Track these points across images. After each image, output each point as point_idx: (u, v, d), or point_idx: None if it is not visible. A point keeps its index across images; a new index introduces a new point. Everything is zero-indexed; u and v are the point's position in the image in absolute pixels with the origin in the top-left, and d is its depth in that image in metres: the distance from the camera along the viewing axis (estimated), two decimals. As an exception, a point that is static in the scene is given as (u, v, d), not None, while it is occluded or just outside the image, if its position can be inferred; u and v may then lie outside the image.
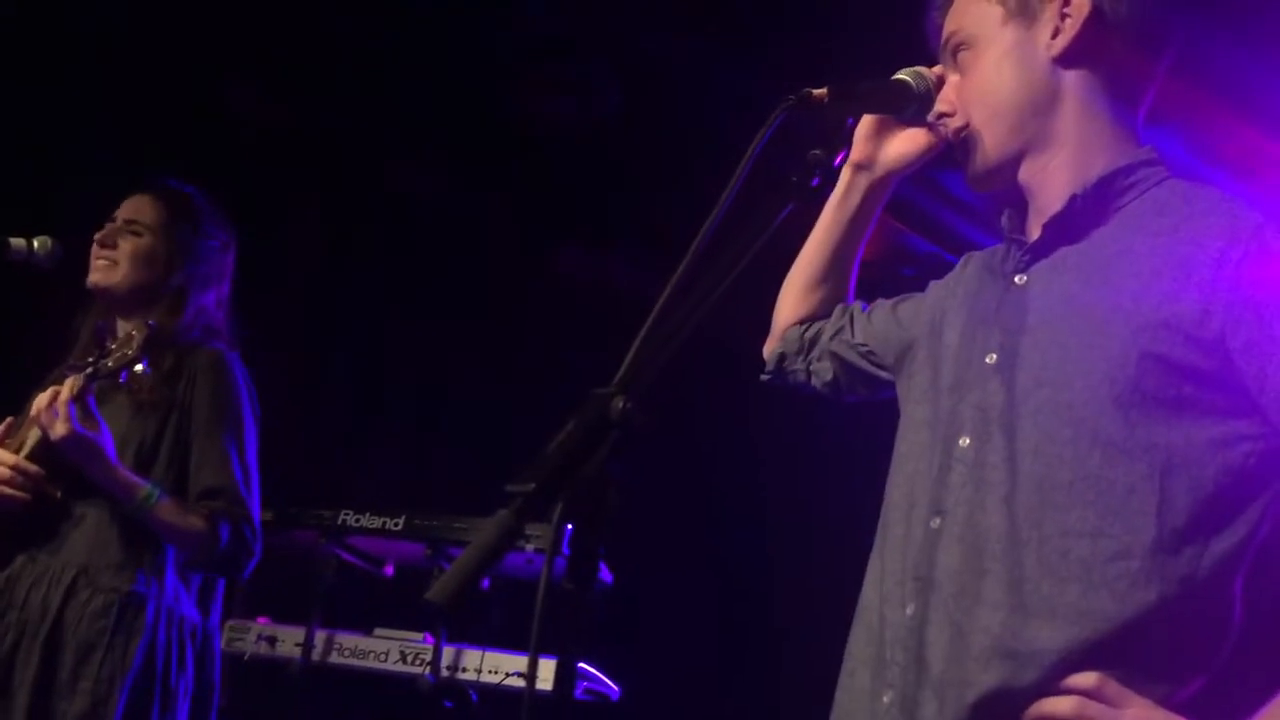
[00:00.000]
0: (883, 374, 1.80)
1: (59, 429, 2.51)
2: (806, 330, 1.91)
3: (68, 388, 2.53)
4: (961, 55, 1.63)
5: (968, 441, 1.50)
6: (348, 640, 3.50)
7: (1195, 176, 1.58)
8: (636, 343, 1.25)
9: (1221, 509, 1.40)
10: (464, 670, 3.37)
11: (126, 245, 2.79)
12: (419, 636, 3.47)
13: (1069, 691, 1.36)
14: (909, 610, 1.47)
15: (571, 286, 4.91)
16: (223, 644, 3.42)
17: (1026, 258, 1.57)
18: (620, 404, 1.19)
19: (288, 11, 4.02)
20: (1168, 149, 1.61)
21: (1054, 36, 1.57)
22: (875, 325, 1.83)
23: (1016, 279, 1.57)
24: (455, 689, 3.33)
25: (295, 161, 4.58)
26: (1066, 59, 1.57)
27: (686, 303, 1.29)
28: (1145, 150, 1.57)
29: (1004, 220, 1.65)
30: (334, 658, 3.49)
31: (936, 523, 1.48)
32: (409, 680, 3.37)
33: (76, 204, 3.01)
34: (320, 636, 3.49)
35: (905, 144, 1.77)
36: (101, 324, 2.80)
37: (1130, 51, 1.58)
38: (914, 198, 3.99)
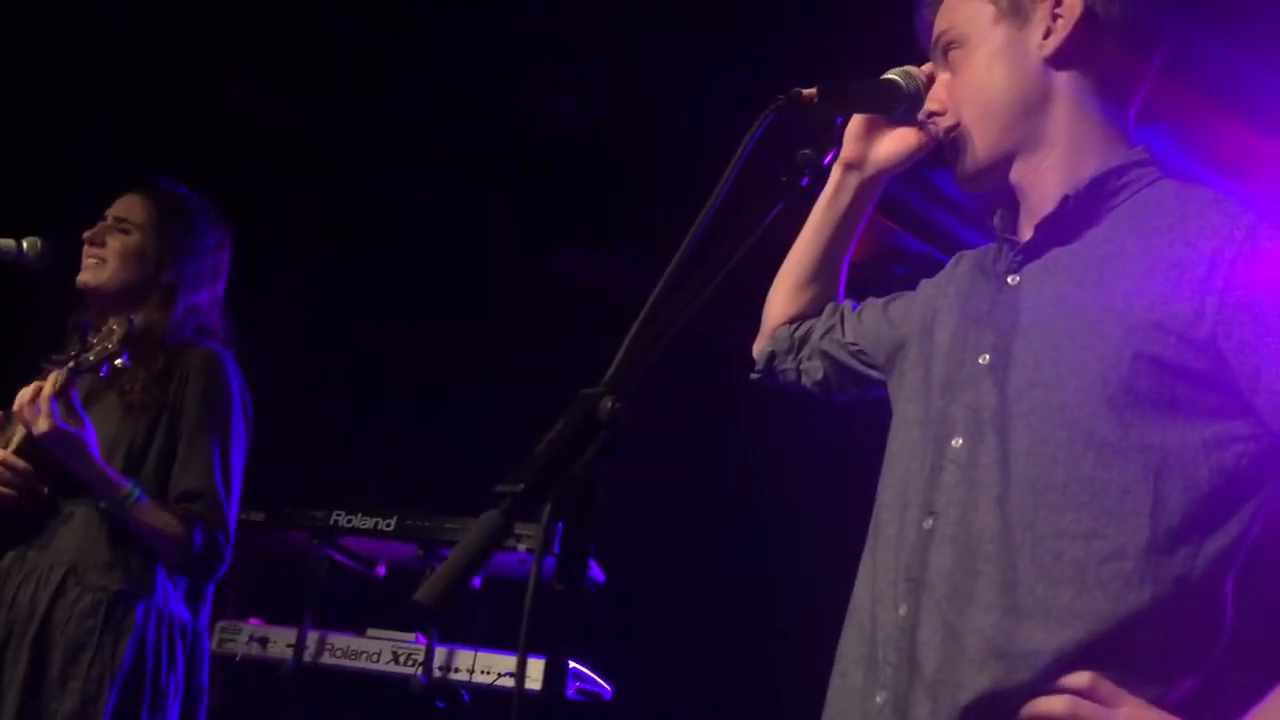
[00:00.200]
0: (873, 373, 1.80)
1: (41, 424, 2.51)
2: (796, 329, 1.91)
3: (50, 383, 2.53)
4: (952, 54, 1.63)
5: (960, 442, 1.50)
6: (340, 641, 3.50)
7: (1187, 176, 1.58)
8: (625, 343, 1.25)
9: (1215, 509, 1.40)
10: (456, 670, 3.36)
11: (115, 243, 2.78)
12: (411, 637, 3.47)
13: (1062, 691, 1.36)
14: (902, 611, 1.47)
15: (571, 287, 4.91)
16: (215, 645, 3.43)
17: (1019, 258, 1.57)
18: (609, 404, 1.19)
19: (288, 11, 4.02)
20: (1160, 149, 1.61)
21: (1046, 37, 1.57)
22: (866, 324, 1.82)
23: (1009, 279, 1.57)
24: (447, 689, 3.33)
25: (295, 161, 4.58)
26: (1058, 59, 1.57)
27: (675, 302, 1.29)
28: (1137, 151, 1.57)
29: (996, 220, 1.64)
30: (326, 658, 3.49)
31: (929, 523, 1.48)
32: (401, 681, 3.38)
33: (77, 204, 3.01)
34: (312, 637, 3.49)
35: (896, 143, 1.77)
36: (86, 320, 2.80)
37: (1122, 52, 1.58)
38: (905, 197, 4.00)
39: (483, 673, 3.35)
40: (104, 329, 2.62)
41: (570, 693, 3.39)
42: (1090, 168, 1.55)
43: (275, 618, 3.61)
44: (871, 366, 1.80)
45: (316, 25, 4.16)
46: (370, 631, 3.52)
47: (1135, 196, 1.53)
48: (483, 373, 4.85)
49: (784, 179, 1.41)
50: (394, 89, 4.37)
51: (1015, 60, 1.58)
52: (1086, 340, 1.44)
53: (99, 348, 2.57)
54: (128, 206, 2.84)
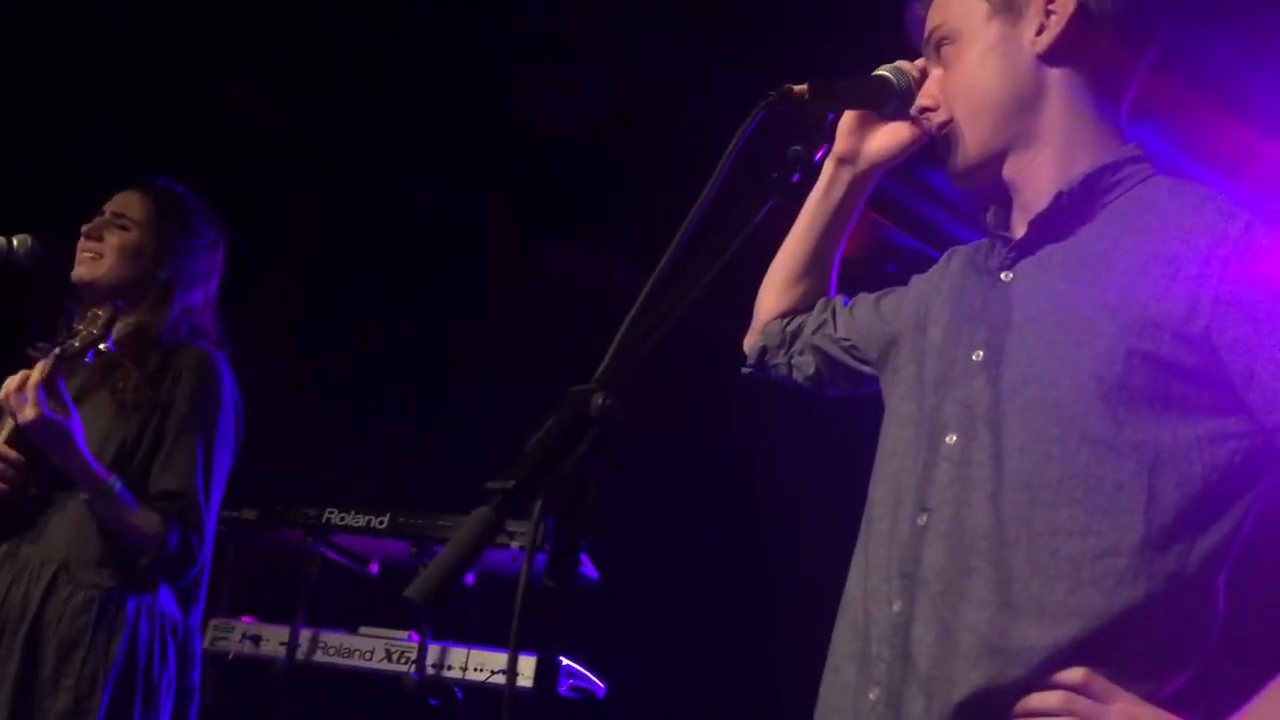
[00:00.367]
0: (865, 368, 1.80)
1: (27, 412, 2.49)
2: (788, 324, 1.91)
3: (37, 371, 2.51)
4: (945, 49, 1.62)
5: (954, 438, 1.50)
6: (333, 639, 3.49)
7: (1181, 173, 1.58)
8: (616, 339, 1.25)
9: (1209, 506, 1.40)
10: (449, 668, 3.35)
11: (113, 239, 2.77)
12: (404, 634, 3.46)
13: (1056, 687, 1.36)
14: (895, 607, 1.47)
15: (570, 287, 4.91)
16: (207, 643, 3.43)
17: (1012, 254, 1.57)
18: (599, 400, 1.19)
19: (288, 11, 4.03)
20: (1153, 145, 1.61)
21: (1039, 33, 1.57)
22: (857, 320, 1.82)
23: (1002, 276, 1.57)
24: (440, 687, 3.32)
25: (295, 161, 4.59)
26: (1051, 55, 1.57)
27: (667, 298, 1.29)
28: (1131, 147, 1.57)
29: (989, 216, 1.64)
30: (319, 656, 3.47)
31: (923, 519, 1.48)
32: (394, 678, 3.36)
33: (76, 204, 3.00)
34: (305, 635, 3.48)
35: (888, 138, 1.77)
36: (70, 306, 2.77)
37: (1114, 47, 1.58)
38: (897, 192, 4.00)
39: (476, 670, 3.34)
40: (89, 315, 2.59)
41: (563, 690, 3.39)
42: (1084, 164, 1.54)
43: (268, 615, 3.60)
44: (863, 362, 1.80)
45: (316, 25, 4.17)
46: (363, 629, 3.51)
47: (1129, 193, 1.53)
48: (479, 371, 4.85)
49: (775, 175, 1.42)
50: (394, 89, 4.37)
51: (1008, 56, 1.58)
52: (1080, 337, 1.44)
53: (84, 333, 2.55)
54: (126, 202, 2.82)
